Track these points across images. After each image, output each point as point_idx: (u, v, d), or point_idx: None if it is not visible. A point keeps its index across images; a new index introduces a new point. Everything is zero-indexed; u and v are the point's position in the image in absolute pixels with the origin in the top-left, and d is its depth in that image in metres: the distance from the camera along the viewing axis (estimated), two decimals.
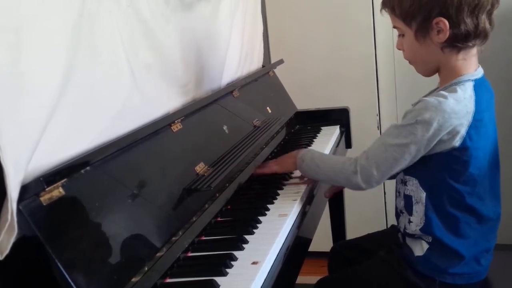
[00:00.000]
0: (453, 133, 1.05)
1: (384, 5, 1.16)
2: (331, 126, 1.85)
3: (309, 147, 1.33)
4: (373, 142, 1.14)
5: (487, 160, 1.12)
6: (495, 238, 1.16)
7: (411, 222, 1.14)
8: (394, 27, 1.16)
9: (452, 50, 1.09)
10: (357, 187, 1.15)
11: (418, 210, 1.13)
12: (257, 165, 1.37)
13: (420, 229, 1.13)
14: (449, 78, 1.11)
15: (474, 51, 1.11)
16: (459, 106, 1.05)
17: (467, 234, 1.11)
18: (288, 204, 1.18)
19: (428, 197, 1.11)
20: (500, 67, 2.04)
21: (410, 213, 1.14)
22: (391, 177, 1.19)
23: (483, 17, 1.06)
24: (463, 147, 1.06)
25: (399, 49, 1.17)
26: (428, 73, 1.16)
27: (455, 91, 1.07)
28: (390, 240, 1.26)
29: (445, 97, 1.05)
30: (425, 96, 1.19)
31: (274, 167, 1.33)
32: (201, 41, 1.44)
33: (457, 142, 1.06)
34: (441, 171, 1.09)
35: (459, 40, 1.07)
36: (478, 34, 1.07)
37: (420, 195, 1.12)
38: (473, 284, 1.14)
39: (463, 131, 1.05)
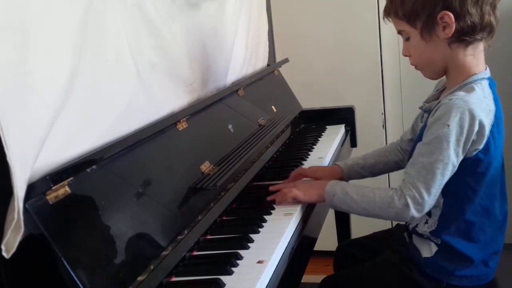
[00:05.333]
0: (481, 132, 1.03)
1: (386, 12, 1.14)
2: (336, 125, 1.84)
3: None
4: (409, 170, 1.07)
5: (501, 159, 1.12)
6: (503, 239, 1.15)
7: (427, 223, 1.13)
8: (399, 32, 1.14)
9: (460, 45, 1.07)
10: (409, 219, 1.11)
11: (436, 214, 1.11)
12: (267, 181, 1.28)
13: (430, 232, 1.12)
14: (459, 77, 1.09)
15: (481, 46, 1.09)
16: (482, 105, 1.03)
17: (479, 238, 1.10)
18: (293, 203, 1.17)
19: (447, 203, 1.10)
20: (502, 67, 2.03)
21: (429, 214, 1.12)
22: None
23: (487, 8, 1.05)
24: (487, 147, 1.04)
25: (406, 55, 1.15)
26: (436, 75, 1.15)
27: (473, 89, 1.05)
28: (395, 239, 1.25)
29: (466, 95, 1.03)
30: (433, 97, 1.18)
31: (296, 192, 1.17)
32: (207, 39, 1.44)
33: (483, 142, 1.04)
34: (465, 176, 1.06)
35: (465, 33, 1.05)
36: (484, 26, 1.05)
37: (439, 200, 1.10)
38: (480, 286, 1.13)
39: (487, 130, 1.03)
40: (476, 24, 1.05)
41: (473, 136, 1.02)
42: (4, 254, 0.67)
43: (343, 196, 1.13)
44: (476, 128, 1.02)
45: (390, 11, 1.13)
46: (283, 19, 2.27)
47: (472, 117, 1.01)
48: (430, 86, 1.24)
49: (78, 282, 0.71)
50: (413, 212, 1.05)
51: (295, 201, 1.17)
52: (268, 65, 1.99)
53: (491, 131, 1.04)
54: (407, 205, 1.05)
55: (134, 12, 1.08)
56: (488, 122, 1.04)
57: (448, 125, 1.01)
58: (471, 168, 1.06)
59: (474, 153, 1.05)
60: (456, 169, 1.04)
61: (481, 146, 1.04)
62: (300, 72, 2.26)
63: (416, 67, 1.15)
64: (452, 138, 1.01)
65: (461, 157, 1.04)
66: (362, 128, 1.98)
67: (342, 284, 1.28)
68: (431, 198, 1.04)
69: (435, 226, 1.11)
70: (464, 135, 1.01)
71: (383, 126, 2.33)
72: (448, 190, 1.08)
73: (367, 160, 1.34)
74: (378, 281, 1.20)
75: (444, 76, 1.15)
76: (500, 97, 1.12)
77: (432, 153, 1.03)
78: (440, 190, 1.05)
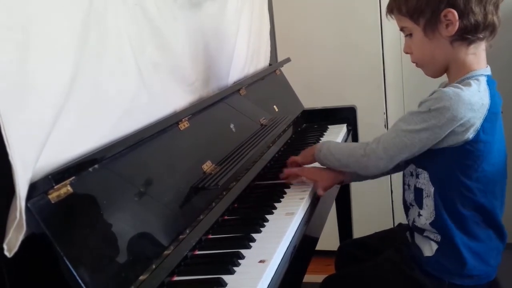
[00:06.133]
0: (467, 126, 1.04)
1: (389, 9, 1.15)
2: (338, 125, 1.84)
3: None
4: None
5: (502, 157, 1.12)
6: (504, 239, 1.15)
7: (421, 215, 1.14)
8: (401, 29, 1.15)
9: (462, 44, 1.08)
10: (366, 170, 1.17)
11: (429, 204, 1.12)
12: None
13: (430, 223, 1.12)
14: (459, 74, 1.10)
15: (483, 45, 1.10)
16: (474, 98, 1.04)
17: (476, 233, 1.10)
18: (295, 202, 1.17)
19: (437, 192, 1.11)
20: (504, 67, 2.03)
21: (420, 206, 1.13)
22: (399, 169, 1.21)
23: (491, 8, 1.06)
24: (476, 140, 1.05)
25: (407, 53, 1.16)
26: (437, 73, 1.15)
27: (469, 84, 1.06)
28: (397, 239, 1.25)
29: (460, 88, 1.04)
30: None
31: (296, 157, 1.36)
32: (208, 39, 1.44)
33: (470, 134, 1.05)
34: (452, 166, 1.08)
35: (468, 32, 1.06)
36: (487, 26, 1.06)
37: (429, 189, 1.11)
38: (482, 285, 1.13)
39: (477, 123, 1.04)
40: (479, 23, 1.05)
41: (456, 128, 1.04)
42: (6, 253, 0.67)
43: (326, 151, 1.24)
44: (460, 119, 1.03)
45: (393, 8, 1.14)
46: (285, 19, 2.27)
47: (458, 107, 1.02)
48: (432, 86, 1.24)
49: (80, 281, 0.71)
50: (368, 163, 1.14)
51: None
52: (270, 64, 1.99)
53: (482, 125, 1.05)
54: (363, 155, 1.14)
55: (136, 12, 1.08)
56: (479, 116, 1.04)
57: (430, 109, 1.05)
58: (458, 158, 1.07)
59: (461, 143, 1.06)
60: (424, 149, 1.08)
61: (466, 137, 1.05)
62: (302, 72, 2.26)
63: (417, 65, 1.16)
64: (430, 121, 1.04)
65: (433, 141, 1.07)
66: (364, 128, 1.98)
67: (343, 283, 1.28)
68: (386, 158, 1.11)
69: (433, 217, 1.11)
70: (443, 121, 1.03)
71: (385, 126, 2.32)
72: (437, 178, 1.10)
73: None
74: (380, 281, 1.20)
75: (446, 77, 1.15)
76: (502, 97, 1.12)
77: (409, 124, 1.09)
78: (399, 158, 1.11)
